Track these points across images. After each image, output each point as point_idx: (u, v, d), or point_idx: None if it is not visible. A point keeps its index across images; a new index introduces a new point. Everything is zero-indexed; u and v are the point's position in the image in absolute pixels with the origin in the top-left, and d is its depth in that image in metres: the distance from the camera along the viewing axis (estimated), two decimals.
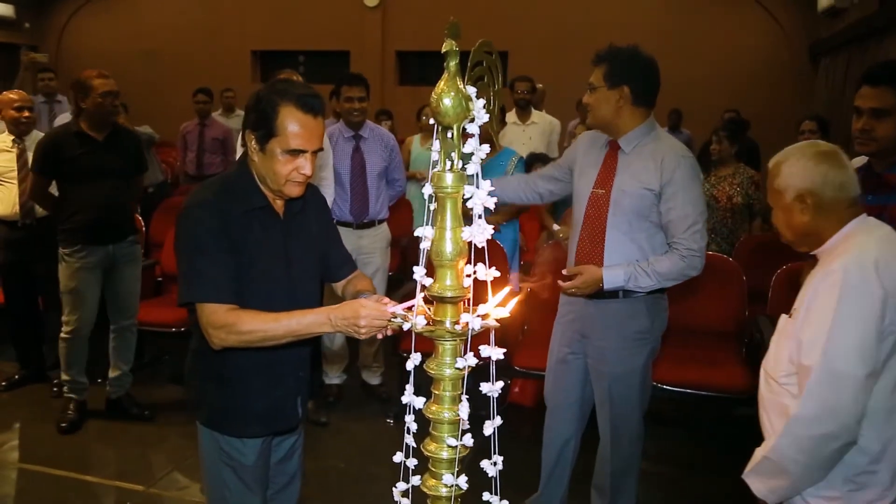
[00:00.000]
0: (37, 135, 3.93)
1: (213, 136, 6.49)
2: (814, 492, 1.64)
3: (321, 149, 1.78)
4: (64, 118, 5.38)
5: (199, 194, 1.79)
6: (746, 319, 3.64)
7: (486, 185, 1.28)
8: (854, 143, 2.12)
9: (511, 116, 5.59)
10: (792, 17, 8.70)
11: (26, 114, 3.91)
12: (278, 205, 1.85)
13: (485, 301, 1.31)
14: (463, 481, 1.32)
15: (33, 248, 3.91)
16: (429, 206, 1.33)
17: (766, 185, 4.67)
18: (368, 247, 3.80)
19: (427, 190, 1.31)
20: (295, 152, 1.71)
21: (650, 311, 2.47)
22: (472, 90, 1.29)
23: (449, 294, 1.29)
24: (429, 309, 1.35)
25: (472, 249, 1.30)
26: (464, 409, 1.31)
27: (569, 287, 2.45)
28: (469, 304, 1.32)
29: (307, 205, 1.91)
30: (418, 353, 1.37)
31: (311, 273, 1.95)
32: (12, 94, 3.94)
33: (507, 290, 1.32)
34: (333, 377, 4.00)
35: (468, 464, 1.35)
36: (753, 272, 3.75)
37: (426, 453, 1.34)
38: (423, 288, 1.33)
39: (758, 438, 1.75)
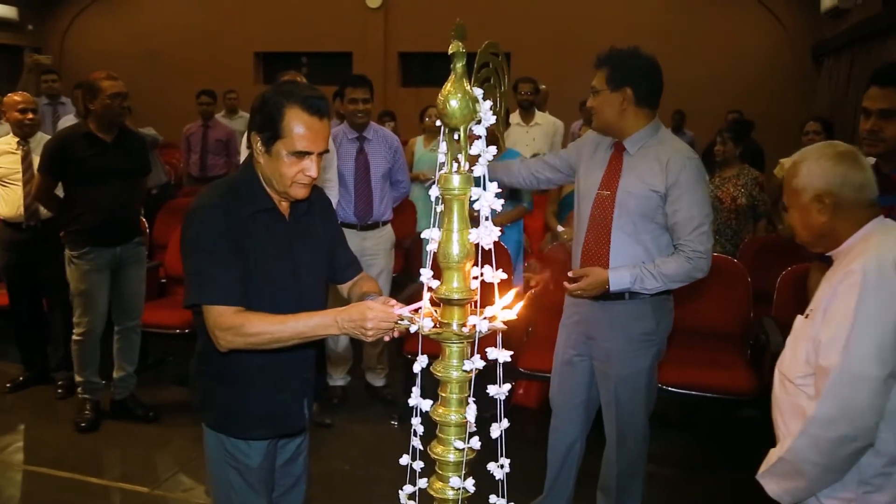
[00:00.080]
0: (41, 137, 3.94)
1: (217, 138, 6.50)
2: (829, 493, 1.63)
3: (327, 150, 1.78)
4: (68, 120, 5.38)
5: (205, 196, 1.79)
6: (751, 321, 3.62)
7: (492, 187, 1.28)
8: (862, 144, 2.11)
9: (514, 118, 5.57)
10: (795, 18, 8.69)
11: (30, 116, 3.91)
12: (284, 206, 1.85)
13: (491, 303, 1.31)
14: (470, 484, 1.32)
15: (38, 249, 3.92)
16: (435, 209, 1.32)
17: (769, 187, 4.63)
18: (372, 248, 3.80)
19: (434, 192, 1.30)
20: (301, 154, 1.71)
21: (656, 313, 2.46)
22: (478, 92, 1.28)
23: (456, 296, 1.29)
24: (435, 311, 1.35)
25: (479, 251, 1.30)
26: (471, 412, 1.30)
27: (574, 289, 2.44)
28: (476, 307, 1.31)
29: (313, 206, 1.91)
30: (425, 356, 1.37)
31: (317, 275, 1.94)
32: (16, 96, 3.94)
33: (513, 292, 1.32)
34: (338, 379, 4.00)
35: (474, 466, 1.35)
36: (758, 273, 3.74)
37: (433, 456, 1.33)
38: (430, 290, 1.32)
39: (762, 440, 1.74)
